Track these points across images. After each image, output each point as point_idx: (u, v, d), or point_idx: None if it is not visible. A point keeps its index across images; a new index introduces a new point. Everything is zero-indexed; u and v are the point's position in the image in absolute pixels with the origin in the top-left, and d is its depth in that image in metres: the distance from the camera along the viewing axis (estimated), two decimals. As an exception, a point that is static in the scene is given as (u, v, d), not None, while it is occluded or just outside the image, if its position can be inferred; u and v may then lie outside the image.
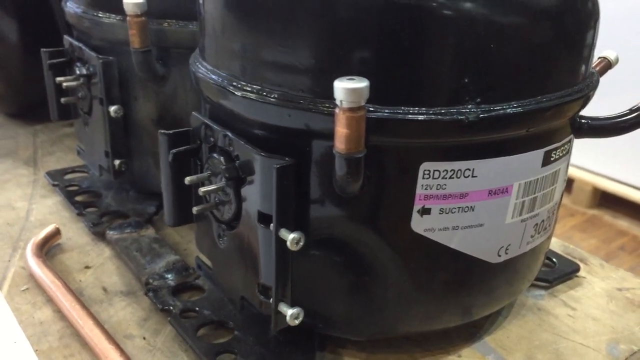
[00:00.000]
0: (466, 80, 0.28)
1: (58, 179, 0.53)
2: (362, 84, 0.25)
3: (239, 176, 0.31)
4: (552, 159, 0.32)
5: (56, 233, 0.45)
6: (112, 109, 0.43)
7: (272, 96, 0.29)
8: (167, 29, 0.42)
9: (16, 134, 0.64)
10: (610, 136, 0.36)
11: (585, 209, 2.71)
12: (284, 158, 0.28)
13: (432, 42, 0.27)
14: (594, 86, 0.34)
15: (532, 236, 0.34)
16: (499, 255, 0.32)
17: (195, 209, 0.33)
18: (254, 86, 0.29)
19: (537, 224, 0.34)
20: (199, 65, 0.34)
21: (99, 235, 0.46)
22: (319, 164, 0.29)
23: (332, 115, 0.27)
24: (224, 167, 0.31)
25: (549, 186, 0.33)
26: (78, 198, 0.51)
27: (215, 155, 0.32)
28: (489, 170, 0.30)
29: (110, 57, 0.43)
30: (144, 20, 0.40)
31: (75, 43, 0.46)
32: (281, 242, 0.29)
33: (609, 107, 0.44)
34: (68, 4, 0.47)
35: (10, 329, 0.37)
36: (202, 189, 0.32)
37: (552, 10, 0.30)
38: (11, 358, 0.35)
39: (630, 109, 0.36)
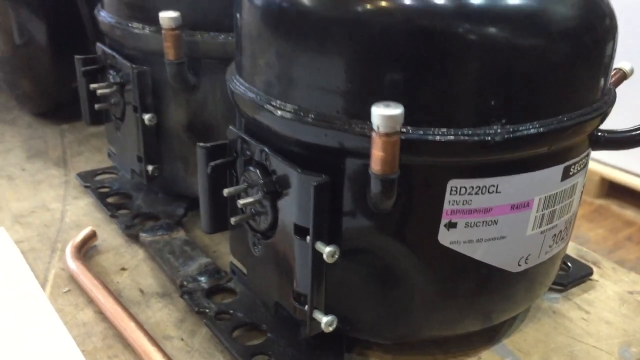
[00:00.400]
0: (492, 103, 0.30)
1: (89, 181, 0.55)
2: (397, 110, 0.27)
3: (276, 190, 0.33)
4: (570, 173, 0.34)
5: (93, 235, 0.47)
6: (147, 117, 0.45)
7: (309, 116, 0.31)
8: (199, 40, 0.43)
9: (44, 134, 0.66)
10: (626, 149, 0.38)
11: (593, 199, 2.72)
12: (321, 176, 0.30)
13: (460, 67, 0.29)
14: (611, 102, 0.36)
15: (550, 246, 0.36)
16: (519, 265, 0.34)
17: (233, 220, 0.35)
18: (292, 106, 0.31)
19: (555, 235, 0.35)
20: (236, 82, 0.36)
21: (132, 237, 0.48)
22: (352, 180, 0.31)
23: (365, 135, 0.29)
24: (261, 181, 0.33)
25: (568, 199, 0.35)
26: (110, 200, 0.53)
27: (251, 168, 0.34)
28: (512, 186, 0.32)
29: (144, 67, 0.45)
30: (179, 34, 0.41)
31: (108, 51, 0.48)
32: (317, 254, 0.31)
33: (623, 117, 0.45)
34: (101, 13, 0.49)
35: (57, 329, 0.39)
36: (241, 202, 0.34)
37: (571, 30, 0.31)
38: (60, 358, 0.37)
39: (645, 123, 0.38)
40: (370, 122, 0.28)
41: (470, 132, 0.29)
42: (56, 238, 0.48)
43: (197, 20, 0.43)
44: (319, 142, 0.31)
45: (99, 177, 0.56)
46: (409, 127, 0.29)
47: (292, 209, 0.32)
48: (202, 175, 0.36)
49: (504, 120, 0.30)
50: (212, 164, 0.35)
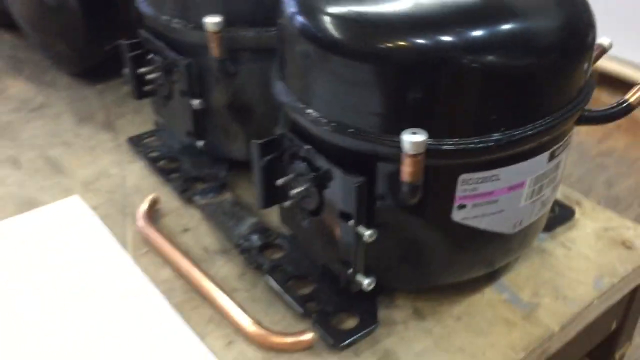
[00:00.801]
0: (494, 117, 0.37)
1: (139, 145, 0.63)
2: (422, 137, 0.35)
3: (321, 182, 0.41)
4: (556, 154, 0.42)
5: (157, 201, 0.56)
6: (196, 102, 0.52)
7: (349, 130, 0.38)
8: (236, 35, 0.50)
9: (85, 96, 0.73)
10: (603, 124, 0.46)
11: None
12: (359, 177, 0.39)
13: (466, 91, 0.37)
14: (592, 88, 0.43)
15: (539, 210, 0.45)
16: (514, 228, 0.43)
17: (286, 204, 0.44)
18: (334, 122, 0.39)
19: (543, 201, 0.44)
20: (282, 88, 0.43)
21: (187, 199, 0.57)
22: (383, 178, 0.39)
23: (393, 147, 0.37)
24: (310, 175, 0.41)
25: (553, 173, 0.43)
26: (160, 164, 0.61)
27: (299, 162, 0.42)
28: (509, 173, 0.40)
29: (191, 59, 0.51)
30: (222, 35, 0.48)
31: (156, 41, 0.54)
32: (359, 235, 0.40)
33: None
34: (142, 5, 0.55)
35: (146, 287, 0.49)
36: (292, 192, 0.42)
37: (555, 50, 0.39)
38: (153, 312, 0.47)
39: (617, 102, 0.45)
40: (398, 137, 0.36)
41: (476, 140, 0.37)
42: (123, 203, 0.57)
43: (234, 19, 0.49)
44: (357, 149, 0.39)
45: (146, 141, 0.64)
46: (429, 139, 0.37)
47: (336, 198, 0.41)
48: (257, 166, 0.44)
49: (503, 129, 0.38)
50: (266, 159, 0.43)
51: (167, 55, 0.53)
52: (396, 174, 0.37)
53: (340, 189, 0.40)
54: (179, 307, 0.47)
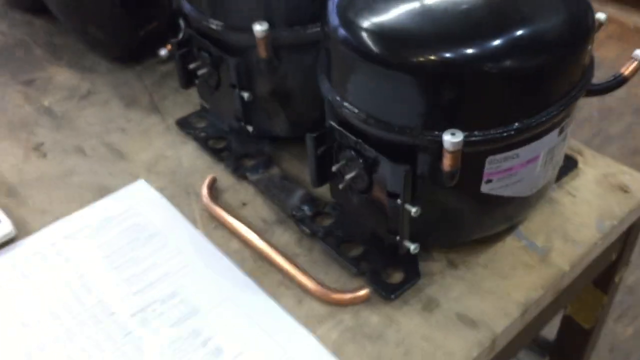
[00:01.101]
0: (513, 110, 0.45)
1: (188, 127, 0.70)
2: (459, 137, 0.42)
3: (370, 168, 0.49)
4: (564, 129, 0.50)
5: (215, 180, 0.64)
6: (245, 95, 0.60)
7: (395, 128, 0.46)
8: (278, 36, 0.56)
9: (126, 80, 0.79)
10: (601, 95, 0.53)
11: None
12: (406, 165, 0.47)
13: (490, 92, 0.44)
14: (593, 65, 0.51)
15: (551, 171, 0.53)
16: (531, 191, 0.52)
17: (341, 186, 0.52)
18: (383, 121, 0.47)
19: (554, 166, 0.53)
20: (329, 89, 0.50)
21: (240, 176, 0.65)
22: (423, 165, 0.47)
23: (432, 140, 0.45)
24: (361, 163, 0.49)
25: (562, 142, 0.51)
26: (210, 143, 0.68)
27: (349, 151, 0.50)
28: (526, 151, 0.48)
29: (239, 58, 0.58)
30: (268, 40, 0.55)
31: (201, 39, 0.61)
32: (406, 211, 0.48)
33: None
34: (187, 7, 0.61)
35: (219, 259, 0.57)
36: (347, 176, 0.50)
37: (562, 43, 0.46)
38: (231, 280, 0.56)
39: (614, 76, 0.53)
40: (436, 132, 0.44)
41: (500, 130, 0.45)
42: (185, 183, 0.65)
43: (276, 21, 0.56)
44: (400, 142, 0.47)
45: (193, 122, 0.71)
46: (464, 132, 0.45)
47: (384, 180, 0.49)
48: (312, 155, 0.52)
49: (522, 118, 0.45)
50: (320, 150, 0.51)
51: (214, 52, 0.60)
52: (436, 161, 0.45)
53: (389, 174, 0.48)
54: (251, 274, 0.56)
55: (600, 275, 0.67)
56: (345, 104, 0.49)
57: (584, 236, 0.57)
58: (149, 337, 0.52)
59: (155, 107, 0.74)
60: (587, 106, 2.26)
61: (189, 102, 0.74)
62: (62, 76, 0.80)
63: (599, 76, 0.57)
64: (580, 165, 0.64)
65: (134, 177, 0.66)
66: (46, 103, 0.75)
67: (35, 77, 0.80)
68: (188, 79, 0.65)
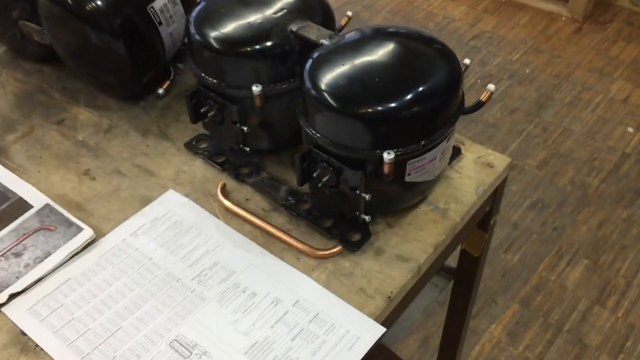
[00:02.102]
0: (422, 133, 0.77)
1: (194, 149, 0.98)
2: (392, 155, 0.74)
3: (338, 173, 0.80)
4: (449, 138, 0.83)
5: (224, 184, 0.93)
6: (245, 128, 0.89)
7: (352, 150, 0.77)
8: (267, 90, 0.85)
9: (136, 114, 1.05)
10: (470, 114, 0.87)
11: (455, -22, 3.20)
12: (361, 170, 0.78)
13: (406, 126, 0.76)
14: (464, 95, 0.84)
15: (445, 162, 0.86)
16: (434, 176, 0.85)
17: (319, 185, 0.82)
18: (345, 145, 0.77)
19: (446, 158, 0.86)
20: (306, 123, 0.80)
21: (240, 181, 0.94)
22: (370, 170, 0.79)
23: (376, 157, 0.76)
24: (331, 171, 0.80)
25: (449, 145, 0.85)
26: (213, 159, 0.97)
27: (323, 163, 0.81)
28: (429, 155, 0.81)
29: (239, 106, 0.87)
30: (263, 96, 0.84)
31: (211, 94, 0.89)
32: (363, 198, 0.80)
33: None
34: (196, 71, 0.88)
35: (239, 239, 0.87)
36: (323, 179, 0.81)
37: (445, 92, 0.78)
38: (250, 251, 0.86)
39: (476, 102, 0.86)
40: (379, 151, 0.75)
41: (414, 146, 0.77)
42: (202, 188, 0.93)
43: (263, 81, 0.85)
44: (355, 158, 0.78)
45: (197, 144, 0.99)
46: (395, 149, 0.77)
47: (347, 179, 0.80)
48: (298, 166, 0.82)
49: (426, 137, 0.78)
50: (304, 165, 0.82)
51: (219, 101, 0.88)
52: (378, 167, 0.77)
53: (350, 176, 0.79)
54: (263, 245, 0.86)
55: (481, 221, 1.02)
56: (318, 135, 0.79)
57: (467, 198, 0.91)
58: (207, 291, 0.81)
59: (164, 134, 1.02)
60: (471, 75, 2.66)
61: (188, 128, 1.02)
62: (84, 115, 1.05)
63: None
64: (463, 152, 0.98)
65: (164, 188, 0.94)
66: (80, 137, 1.01)
67: (63, 117, 1.05)
68: (197, 118, 0.93)
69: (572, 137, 2.34)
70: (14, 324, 0.78)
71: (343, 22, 0.99)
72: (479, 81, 2.55)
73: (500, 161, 0.96)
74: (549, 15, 2.90)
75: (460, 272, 1.13)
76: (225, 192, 0.92)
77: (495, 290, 1.91)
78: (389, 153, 0.75)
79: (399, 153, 0.76)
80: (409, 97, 0.75)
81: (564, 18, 2.88)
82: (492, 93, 0.86)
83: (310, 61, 0.80)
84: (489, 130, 2.36)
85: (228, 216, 0.90)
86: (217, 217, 0.90)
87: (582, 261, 1.96)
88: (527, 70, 2.62)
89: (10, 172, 0.95)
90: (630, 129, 2.36)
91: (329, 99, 0.76)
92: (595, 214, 2.09)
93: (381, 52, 0.79)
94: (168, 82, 1.05)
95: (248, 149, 0.93)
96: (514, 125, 2.39)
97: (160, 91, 1.04)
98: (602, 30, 2.82)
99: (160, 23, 0.97)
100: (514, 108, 2.46)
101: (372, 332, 0.77)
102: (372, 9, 2.99)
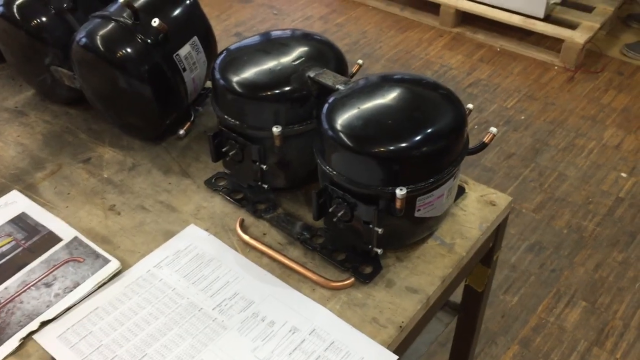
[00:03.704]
0: (430, 172, 0.83)
1: (214, 185, 1.04)
2: (404, 191, 0.80)
3: (352, 208, 0.86)
4: (456, 176, 0.89)
5: (242, 219, 0.98)
6: (263, 166, 0.95)
7: (365, 186, 0.83)
8: (287, 130, 0.92)
9: (158, 153, 1.11)
10: (473, 154, 0.93)
11: (451, 29, 3.33)
12: (374, 205, 0.84)
13: (416, 165, 0.82)
14: (468, 139, 0.90)
15: (452, 198, 0.92)
16: (441, 212, 0.91)
17: (334, 220, 0.88)
18: (359, 182, 0.83)
19: (452, 195, 0.92)
20: (325, 162, 0.86)
21: (258, 217, 1.00)
22: (382, 205, 0.85)
23: (388, 193, 0.82)
24: (346, 206, 0.86)
25: (455, 182, 0.91)
26: (232, 195, 1.03)
27: (338, 199, 0.87)
28: (438, 191, 0.87)
29: (259, 145, 0.93)
30: (282, 136, 0.90)
31: (230, 133, 0.95)
32: (376, 232, 0.85)
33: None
34: (219, 113, 0.95)
35: (258, 270, 0.92)
36: (338, 214, 0.87)
37: (453, 134, 0.85)
38: (268, 282, 0.90)
39: (480, 142, 0.93)
40: (392, 187, 0.81)
41: (424, 184, 0.83)
42: (221, 223, 0.99)
43: (282, 123, 0.92)
44: (369, 194, 0.84)
45: (216, 182, 1.05)
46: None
47: (361, 214, 0.86)
48: (315, 202, 0.88)
49: (435, 176, 0.84)
50: (320, 201, 0.88)
51: (240, 141, 0.95)
52: (390, 203, 0.83)
53: (364, 211, 0.85)
54: (280, 277, 0.91)
55: (484, 256, 1.07)
56: (334, 172, 0.86)
57: (472, 234, 0.97)
58: (227, 320, 0.86)
59: (185, 172, 1.08)
60: (469, 121, 2.73)
61: (207, 167, 1.08)
62: (109, 154, 1.11)
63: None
64: (467, 190, 1.04)
65: (186, 223, 0.99)
66: (105, 175, 1.07)
67: (90, 156, 1.11)
68: (218, 156, 0.99)
69: (567, 181, 2.41)
70: (44, 350, 0.82)
71: (354, 69, 1.06)
72: (476, 127, 2.63)
73: (502, 200, 1.02)
74: (542, 65, 3.01)
75: (464, 307, 1.18)
76: (243, 227, 0.98)
77: (495, 331, 1.94)
78: (401, 189, 0.81)
79: (410, 189, 0.82)
80: (419, 137, 0.82)
81: (556, 67, 2.98)
82: (494, 135, 0.93)
83: (327, 105, 0.87)
84: (487, 175, 2.43)
85: (246, 249, 0.95)
86: (236, 250, 0.95)
87: (580, 303, 2.01)
88: (522, 117, 2.71)
89: (41, 207, 1.00)
90: (623, 174, 2.44)
91: (345, 139, 0.83)
92: (592, 256, 2.14)
93: (393, 97, 0.86)
94: (188, 124, 1.12)
95: (266, 187, 0.98)
96: (511, 170, 2.46)
97: (181, 132, 1.11)
98: (593, 79, 2.92)
99: (184, 69, 1.04)
100: (510, 153, 2.53)
101: (385, 359, 0.82)
102: (372, 57, 3.09)
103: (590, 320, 1.97)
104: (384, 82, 0.90)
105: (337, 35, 3.24)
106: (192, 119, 1.13)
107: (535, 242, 2.21)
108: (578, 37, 2.87)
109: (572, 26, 2.96)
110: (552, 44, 3.05)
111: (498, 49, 3.12)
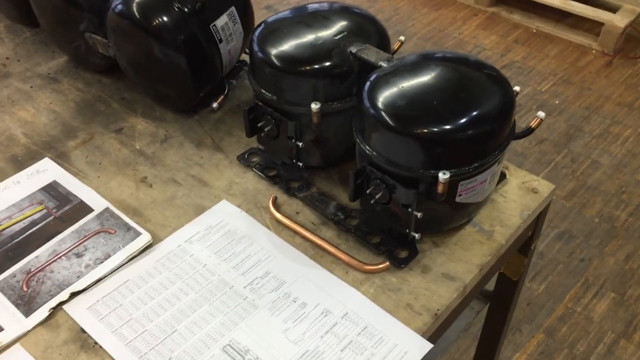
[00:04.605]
0: (474, 156, 0.80)
1: (246, 161, 1.02)
2: (447, 175, 0.77)
3: (391, 191, 0.83)
4: (500, 161, 0.86)
5: (275, 197, 0.96)
6: (301, 144, 0.92)
7: (405, 169, 0.80)
8: (326, 107, 0.89)
9: (191, 126, 1.09)
10: (520, 139, 0.89)
11: (486, 8, 3.25)
12: (414, 189, 0.81)
13: (460, 148, 0.79)
14: (515, 123, 0.87)
15: (494, 184, 0.89)
16: (482, 198, 0.88)
17: (372, 202, 0.85)
18: (399, 163, 0.80)
19: (495, 180, 0.88)
20: (364, 143, 0.84)
21: (291, 195, 0.97)
22: (422, 188, 0.82)
23: (430, 176, 0.79)
24: (384, 188, 0.83)
25: (499, 168, 0.87)
26: (265, 172, 1.00)
27: (377, 180, 0.84)
28: (481, 177, 0.83)
29: (296, 121, 0.90)
30: (320, 112, 0.87)
31: (266, 108, 0.92)
32: (415, 216, 0.83)
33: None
34: (256, 87, 0.92)
35: (290, 250, 0.90)
36: (376, 197, 0.84)
37: (500, 117, 0.81)
38: (301, 263, 0.88)
39: (526, 127, 0.89)
40: (433, 171, 0.78)
41: (467, 167, 0.80)
42: (254, 200, 0.97)
43: (320, 99, 0.89)
44: (409, 176, 0.81)
45: (249, 157, 1.03)
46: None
47: (400, 197, 0.83)
48: (352, 183, 0.85)
49: (478, 160, 0.81)
50: (358, 181, 0.85)
51: (276, 117, 0.92)
52: (431, 186, 0.80)
53: (403, 194, 0.82)
54: (313, 258, 0.89)
55: (522, 245, 1.04)
56: (374, 153, 0.83)
57: (512, 222, 0.94)
58: (258, 299, 0.84)
59: (217, 147, 1.05)
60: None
61: (240, 142, 1.05)
62: (141, 125, 1.09)
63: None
64: (508, 176, 1.00)
65: (218, 199, 0.97)
66: (137, 146, 1.05)
67: (122, 126, 1.09)
68: (252, 132, 0.97)
69: (600, 169, 2.35)
70: (74, 321, 0.81)
71: (395, 46, 1.02)
72: (508, 110, 2.58)
73: (545, 187, 0.98)
74: (579, 48, 2.93)
75: (497, 295, 1.15)
76: (276, 205, 0.96)
77: (520, 319, 1.91)
78: (444, 173, 0.78)
79: (453, 174, 0.79)
80: (465, 120, 0.78)
81: (594, 51, 2.90)
82: (541, 120, 0.89)
83: (369, 82, 0.84)
84: (518, 159, 2.38)
85: (279, 228, 0.93)
86: (269, 228, 0.93)
87: (608, 294, 1.96)
88: (557, 101, 2.65)
89: (72, 176, 0.99)
90: (659, 164, 2.37)
91: (387, 118, 0.80)
92: (623, 247, 2.09)
93: (438, 76, 0.83)
94: (222, 97, 1.09)
95: (301, 164, 0.96)
96: (542, 155, 2.41)
97: (215, 105, 1.08)
98: (632, 65, 2.84)
99: (220, 40, 1.01)
100: (543, 138, 2.48)
101: (420, 347, 0.79)
102: (404, 34, 3.02)
103: (619, 312, 1.93)
104: (429, 60, 0.86)
105: (370, 11, 3.18)
106: (226, 91, 1.10)
107: (565, 230, 2.16)
108: (618, 20, 2.78)
109: (613, 9, 2.87)
110: (591, 26, 2.96)
111: (534, 31, 3.04)
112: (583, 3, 2.88)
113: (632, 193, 2.26)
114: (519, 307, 1.94)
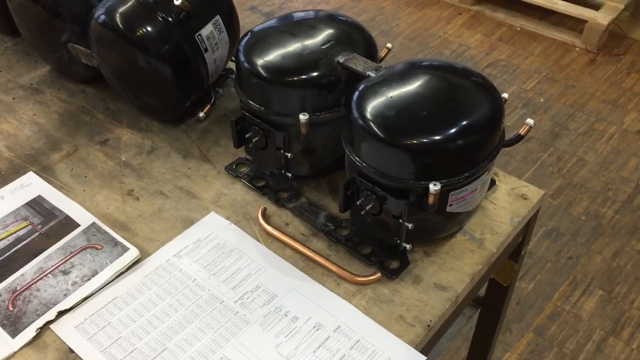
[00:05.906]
0: (464, 166, 0.80)
1: (235, 172, 1.01)
2: (438, 186, 0.77)
3: (382, 202, 0.83)
4: (489, 170, 0.86)
5: (265, 208, 0.95)
6: (289, 155, 0.91)
7: (395, 180, 0.80)
8: (313, 118, 0.88)
9: (177, 136, 1.08)
10: (508, 147, 0.89)
11: (470, 6, 3.26)
12: (405, 200, 0.80)
13: (449, 158, 0.79)
14: (504, 132, 0.86)
15: (484, 193, 0.88)
16: (473, 207, 0.87)
17: (362, 213, 0.85)
18: (390, 174, 0.80)
19: (485, 189, 0.88)
20: (353, 153, 0.83)
21: (280, 205, 0.96)
22: (413, 199, 0.81)
23: (420, 187, 0.79)
24: (375, 199, 0.82)
25: (489, 176, 0.87)
26: (253, 182, 0.99)
27: (367, 192, 0.83)
28: (471, 186, 0.83)
29: (284, 132, 0.90)
30: (309, 123, 0.86)
31: (253, 119, 0.91)
32: (405, 227, 0.82)
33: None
34: (243, 97, 0.91)
35: (279, 262, 0.89)
36: (366, 208, 0.83)
37: (489, 126, 0.81)
38: (290, 275, 0.87)
39: (515, 134, 0.89)
40: (424, 181, 0.78)
41: (457, 178, 0.80)
42: (243, 212, 0.96)
43: (309, 110, 0.88)
44: (399, 187, 0.80)
45: (237, 167, 1.01)
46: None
47: (390, 208, 0.82)
48: (342, 194, 0.85)
49: (468, 170, 0.80)
50: (348, 193, 0.84)
51: (264, 128, 0.91)
52: (422, 197, 0.79)
53: (394, 205, 0.82)
54: (304, 270, 0.88)
55: (513, 251, 1.04)
56: (364, 164, 0.82)
57: (503, 229, 0.93)
58: (249, 314, 0.83)
59: (205, 157, 1.04)
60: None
61: (227, 152, 1.04)
62: (127, 136, 1.08)
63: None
64: (497, 183, 1.00)
65: (206, 210, 0.96)
66: (123, 158, 1.04)
67: (107, 137, 1.07)
68: (240, 142, 0.96)
69: (586, 166, 2.37)
70: (62, 341, 0.80)
71: (383, 53, 1.02)
72: (494, 109, 2.58)
73: (534, 193, 0.98)
74: (563, 46, 2.94)
75: (488, 301, 1.15)
76: (265, 216, 0.95)
77: (510, 319, 1.92)
78: (435, 184, 0.77)
79: (443, 184, 0.79)
80: (455, 130, 0.78)
81: (578, 49, 2.92)
82: (530, 127, 0.89)
83: (357, 92, 0.83)
84: (504, 158, 2.39)
85: (269, 240, 0.92)
86: (258, 240, 0.92)
87: (596, 291, 1.98)
88: (542, 99, 2.66)
89: (57, 190, 0.97)
90: (644, 161, 2.39)
91: (376, 129, 0.79)
92: (610, 244, 2.11)
93: (426, 85, 0.82)
94: (209, 106, 1.08)
95: (289, 175, 0.95)
96: (529, 154, 2.42)
97: (201, 114, 1.07)
98: (616, 62, 2.85)
99: (206, 50, 1.00)
100: (529, 137, 2.48)
101: None
102: (389, 34, 3.03)
103: (607, 309, 1.94)
104: (417, 69, 0.86)
105: (354, 11, 3.18)
106: (212, 100, 1.09)
107: (553, 228, 2.17)
108: (601, 17, 2.80)
109: (595, 6, 2.89)
110: (574, 24, 2.98)
111: (518, 29, 3.05)
112: (566, 1, 2.90)
113: (618, 190, 2.28)
114: (509, 307, 1.94)
